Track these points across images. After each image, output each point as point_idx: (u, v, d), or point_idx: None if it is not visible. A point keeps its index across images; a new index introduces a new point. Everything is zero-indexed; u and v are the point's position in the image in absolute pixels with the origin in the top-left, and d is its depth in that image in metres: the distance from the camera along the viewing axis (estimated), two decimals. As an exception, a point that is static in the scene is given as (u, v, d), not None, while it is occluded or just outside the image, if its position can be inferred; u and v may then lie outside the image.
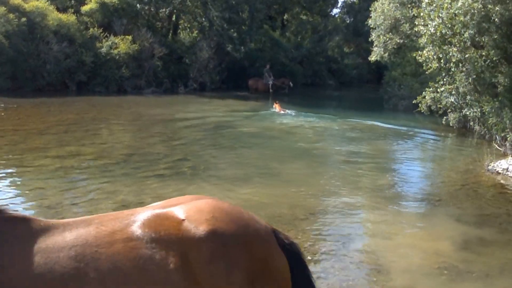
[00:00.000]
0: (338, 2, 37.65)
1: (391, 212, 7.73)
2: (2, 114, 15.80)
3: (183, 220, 2.19)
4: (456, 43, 11.96)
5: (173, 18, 28.34)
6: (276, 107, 19.57)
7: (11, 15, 20.84)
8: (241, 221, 2.34)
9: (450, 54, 12.17)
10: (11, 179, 8.68)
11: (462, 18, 11.32)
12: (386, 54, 19.48)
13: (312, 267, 5.37)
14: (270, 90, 24.39)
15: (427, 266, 5.68)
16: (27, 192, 7.93)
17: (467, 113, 13.62)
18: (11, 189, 8.02)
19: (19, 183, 8.50)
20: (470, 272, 5.52)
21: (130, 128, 14.75)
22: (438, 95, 13.96)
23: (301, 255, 2.57)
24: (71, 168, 9.48)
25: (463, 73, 12.60)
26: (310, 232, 6.65)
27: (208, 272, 2.10)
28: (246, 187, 8.63)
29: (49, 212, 6.79)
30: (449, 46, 12.21)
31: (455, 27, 11.59)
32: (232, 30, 26.98)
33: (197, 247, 2.12)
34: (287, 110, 19.36)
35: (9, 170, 9.19)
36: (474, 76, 12.28)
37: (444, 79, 13.65)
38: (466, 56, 11.92)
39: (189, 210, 2.26)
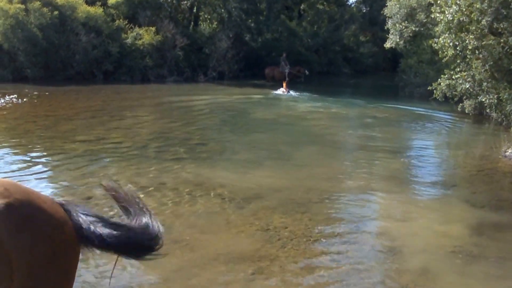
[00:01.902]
0: (354, -8, 38.12)
1: (405, 195, 7.84)
2: (35, 101, 16.66)
3: None
4: (474, 30, 11.87)
5: (194, 10, 29.08)
6: (283, 86, 21.39)
7: (44, 9, 21.76)
8: (35, 193, 2.26)
9: (467, 42, 12.11)
10: (42, 160, 9.14)
11: (479, 5, 11.20)
12: (402, 42, 19.62)
13: (326, 249, 5.68)
14: (286, 79, 24.97)
15: (441, 250, 5.72)
16: (55, 174, 8.37)
17: (483, 100, 13.58)
18: (41, 170, 8.44)
19: (49, 165, 8.91)
20: (485, 257, 5.56)
21: (153, 114, 15.31)
22: (454, 82, 13.93)
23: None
24: (97, 151, 9.94)
25: (479, 60, 12.54)
26: (324, 215, 6.77)
27: (14, 244, 1.99)
28: (260, 170, 8.91)
29: (74, 193, 7.26)
30: (466, 33, 12.16)
31: (473, 14, 11.50)
32: (250, 21, 27.75)
33: (0, 223, 1.99)
34: (290, 91, 21.02)
35: (40, 153, 9.69)
36: (491, 63, 12.19)
37: (460, 66, 13.65)
38: (483, 43, 11.81)
39: None
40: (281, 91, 21.87)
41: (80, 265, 4.87)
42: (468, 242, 6.03)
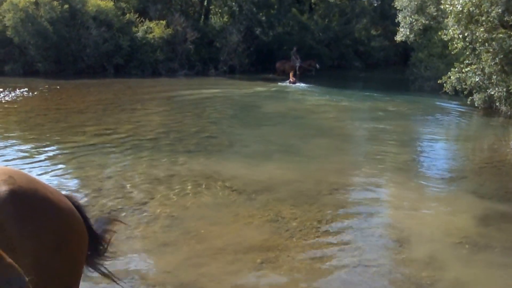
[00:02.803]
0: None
1: (414, 187, 7.89)
2: (46, 94, 16.80)
3: None
4: (483, 22, 11.85)
5: (205, 3, 29.03)
6: (290, 76, 22.16)
7: (55, 3, 21.85)
8: (40, 183, 2.27)
9: (477, 34, 12.08)
10: (53, 153, 9.29)
11: None
12: (412, 35, 19.53)
13: (335, 240, 5.76)
14: (297, 72, 24.94)
15: (448, 240, 5.78)
16: (66, 166, 8.48)
17: (493, 93, 13.56)
18: (52, 163, 8.59)
19: (60, 157, 9.06)
20: (491, 247, 5.62)
21: (163, 107, 15.39)
22: (463, 75, 13.90)
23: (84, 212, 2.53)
24: (107, 143, 10.09)
25: (489, 53, 12.52)
26: (333, 207, 6.82)
27: (18, 231, 1.99)
28: (270, 163, 8.98)
29: (85, 184, 7.45)
30: (475, 25, 12.12)
31: (483, 5, 11.48)
32: (261, 14, 27.69)
33: (3, 209, 1.99)
34: (297, 83, 21.81)
35: (51, 145, 9.85)
36: (502, 56, 12.16)
37: (469, 59, 13.61)
38: (494, 35, 11.79)
39: None
40: (288, 82, 22.40)
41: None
42: (475, 232, 6.07)
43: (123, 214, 6.38)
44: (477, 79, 13.81)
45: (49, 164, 8.53)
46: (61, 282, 2.18)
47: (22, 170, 2.31)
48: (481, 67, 13.41)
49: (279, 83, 22.32)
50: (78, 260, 2.29)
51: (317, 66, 25.71)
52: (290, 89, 21.09)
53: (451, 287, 4.80)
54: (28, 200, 2.09)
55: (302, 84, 22.06)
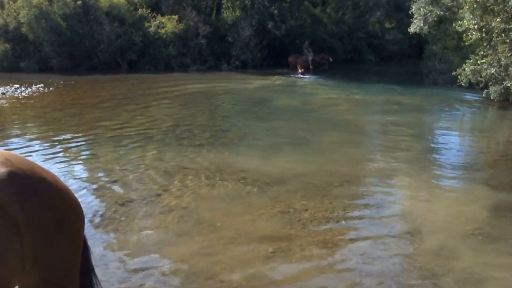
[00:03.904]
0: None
1: (426, 178, 7.87)
2: (61, 90, 16.99)
3: None
4: (500, 12, 11.69)
5: (217, -2, 29.26)
6: (299, 68, 22.65)
7: (68, -1, 22.18)
8: (36, 164, 2.31)
9: (493, 24, 11.90)
10: (69, 146, 9.45)
11: None
12: (426, 27, 19.26)
13: (346, 230, 5.79)
14: (310, 66, 24.84)
15: (461, 231, 5.78)
16: (81, 158, 8.70)
17: (509, 85, 13.33)
18: (68, 155, 8.79)
19: (75, 150, 9.24)
20: (504, 238, 5.61)
21: (176, 102, 15.46)
22: (478, 67, 13.67)
23: None
24: (122, 137, 10.24)
25: (505, 44, 12.34)
26: (344, 198, 6.85)
27: (20, 212, 2.03)
28: (282, 156, 9.02)
29: (100, 176, 7.59)
30: (491, 16, 11.94)
31: None
32: (273, 8, 27.50)
33: (4, 190, 2.02)
34: (305, 74, 22.51)
35: (67, 139, 10.00)
36: None
37: (485, 50, 13.38)
38: (510, 26, 11.62)
39: None
40: (297, 74, 23.01)
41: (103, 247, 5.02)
42: (488, 223, 6.06)
43: (137, 205, 6.48)
44: (492, 71, 13.56)
45: (65, 157, 8.71)
46: (64, 259, 2.24)
47: (16, 153, 2.35)
48: (497, 58, 13.20)
49: (292, 76, 22.49)
50: (78, 237, 2.34)
51: (330, 59, 25.56)
52: (302, 83, 21.03)
53: (463, 277, 4.80)
54: (27, 180, 2.12)
55: (311, 76, 22.18)
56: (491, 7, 12.01)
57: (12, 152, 2.35)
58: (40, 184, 2.17)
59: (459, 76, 14.58)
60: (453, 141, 11.16)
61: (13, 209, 2.02)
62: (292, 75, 22.96)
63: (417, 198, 7.05)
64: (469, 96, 16.88)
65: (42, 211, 2.11)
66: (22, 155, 2.46)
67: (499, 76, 13.85)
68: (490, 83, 14.50)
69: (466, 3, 12.61)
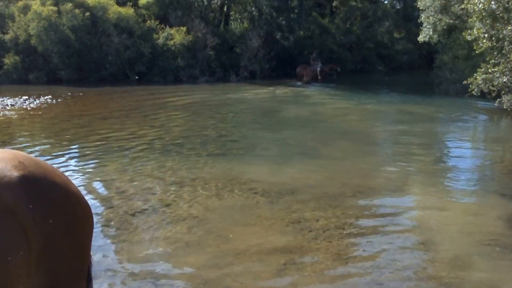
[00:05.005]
0: (387, -12, 37.65)
1: (439, 189, 7.74)
2: (69, 101, 17.08)
3: None
4: (510, 19, 11.57)
5: (225, 9, 29.20)
6: (304, 76, 23.51)
7: (76, 11, 22.27)
8: (49, 167, 2.30)
9: (504, 32, 11.77)
10: (77, 157, 9.50)
11: None
12: (436, 35, 19.13)
13: (358, 241, 5.65)
14: (319, 77, 24.80)
15: (475, 241, 5.65)
16: (91, 169, 8.64)
17: None
18: (77, 166, 8.77)
19: (83, 161, 9.25)
20: None
21: (185, 113, 15.45)
22: (490, 75, 13.42)
23: None
24: (131, 148, 10.22)
25: None
26: (357, 208, 6.73)
27: (29, 216, 2.02)
28: (292, 166, 8.96)
29: (110, 187, 7.54)
30: (502, 24, 11.82)
31: (510, 2, 11.21)
32: (281, 19, 27.54)
33: (14, 194, 2.02)
34: (310, 83, 23.23)
35: (75, 150, 10.09)
36: None
37: (496, 58, 13.21)
38: None
39: None
40: (302, 82, 23.85)
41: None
42: (503, 234, 5.89)
43: (147, 215, 6.38)
44: (505, 80, 13.30)
45: (74, 167, 8.69)
46: (71, 264, 2.21)
47: (30, 155, 2.32)
48: (510, 67, 13.00)
49: (300, 86, 22.61)
50: (86, 244, 2.32)
51: (338, 69, 25.53)
52: (311, 93, 20.98)
53: (480, 289, 4.63)
54: (38, 184, 2.12)
55: (320, 86, 22.53)
56: (501, 15, 11.85)
57: (25, 153, 2.33)
58: (51, 190, 2.16)
59: (470, 85, 14.27)
60: (466, 150, 11.02)
61: (22, 214, 2.02)
62: (299, 84, 23.33)
63: (430, 208, 6.91)
64: (482, 106, 16.68)
65: (51, 217, 2.10)
66: (36, 157, 2.44)
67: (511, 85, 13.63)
68: (503, 92, 14.24)
69: (474, 12, 12.44)
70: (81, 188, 7.31)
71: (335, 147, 10.67)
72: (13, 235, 1.99)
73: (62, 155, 9.52)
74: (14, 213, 2.00)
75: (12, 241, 1.98)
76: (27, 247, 2.02)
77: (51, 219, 2.09)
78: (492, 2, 11.48)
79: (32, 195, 2.06)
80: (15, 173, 2.07)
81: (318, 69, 24.90)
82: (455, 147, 11.29)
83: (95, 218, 2.57)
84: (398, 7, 37.00)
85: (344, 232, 5.91)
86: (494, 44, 12.49)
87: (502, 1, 11.32)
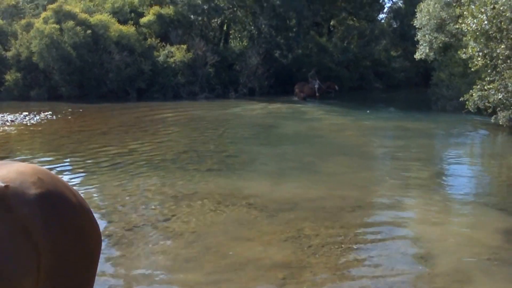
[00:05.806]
0: (384, 7, 38.07)
1: (438, 203, 7.79)
2: (69, 117, 17.15)
3: (6, 186, 2.00)
4: (503, 39, 11.82)
5: (224, 28, 29.53)
6: (297, 92, 24.22)
7: (78, 28, 22.46)
8: (61, 182, 2.27)
9: (498, 51, 12.02)
10: (75, 172, 9.49)
11: (508, 14, 11.20)
12: (432, 53, 19.37)
13: (358, 256, 5.69)
14: (317, 94, 24.95)
15: (474, 256, 5.69)
16: (89, 184, 8.61)
17: None
18: (76, 181, 8.69)
19: (82, 176, 9.27)
20: None
21: (185, 128, 15.55)
22: (486, 92, 13.68)
23: None
24: (129, 163, 10.23)
25: (511, 70, 12.37)
26: (355, 223, 6.76)
27: (43, 235, 2.01)
28: (291, 181, 8.96)
29: (108, 202, 7.58)
30: (495, 43, 12.05)
31: (502, 23, 11.45)
32: (279, 37, 27.86)
33: (32, 213, 2.01)
34: (307, 98, 23.99)
35: (73, 165, 10.07)
36: None
37: (491, 76, 13.44)
38: None
39: (8, 174, 2.07)
40: (298, 97, 24.44)
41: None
42: (502, 248, 5.92)
43: (145, 230, 6.40)
44: (500, 96, 13.55)
45: (72, 182, 8.63)
46: (77, 279, 2.21)
47: (46, 169, 2.29)
48: (504, 84, 13.20)
49: (296, 100, 23.32)
50: (94, 264, 2.29)
51: (337, 88, 25.71)
52: (309, 109, 21.08)
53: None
54: (53, 203, 2.11)
55: (316, 102, 22.80)
56: (494, 34, 12.06)
57: (42, 168, 2.28)
58: (66, 210, 2.16)
59: (467, 102, 14.56)
60: (463, 166, 11.07)
61: (37, 233, 2.01)
62: (296, 100, 23.68)
63: (428, 223, 6.95)
64: (478, 122, 16.82)
65: (62, 234, 2.09)
66: (54, 173, 2.42)
67: (507, 102, 13.82)
68: (498, 108, 14.49)
69: (468, 32, 12.63)
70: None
71: (333, 162, 10.70)
72: (24, 253, 1.97)
73: (61, 170, 9.56)
74: (30, 233, 1.99)
75: (22, 259, 1.96)
76: (36, 265, 2.01)
77: (63, 237, 2.09)
78: (485, 22, 11.68)
79: (47, 215, 2.06)
80: (33, 191, 2.06)
81: (316, 86, 25.09)
82: (453, 162, 11.36)
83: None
84: (395, 25, 37.39)
85: (343, 246, 5.93)
86: (489, 62, 12.72)
87: (494, 21, 11.51)
